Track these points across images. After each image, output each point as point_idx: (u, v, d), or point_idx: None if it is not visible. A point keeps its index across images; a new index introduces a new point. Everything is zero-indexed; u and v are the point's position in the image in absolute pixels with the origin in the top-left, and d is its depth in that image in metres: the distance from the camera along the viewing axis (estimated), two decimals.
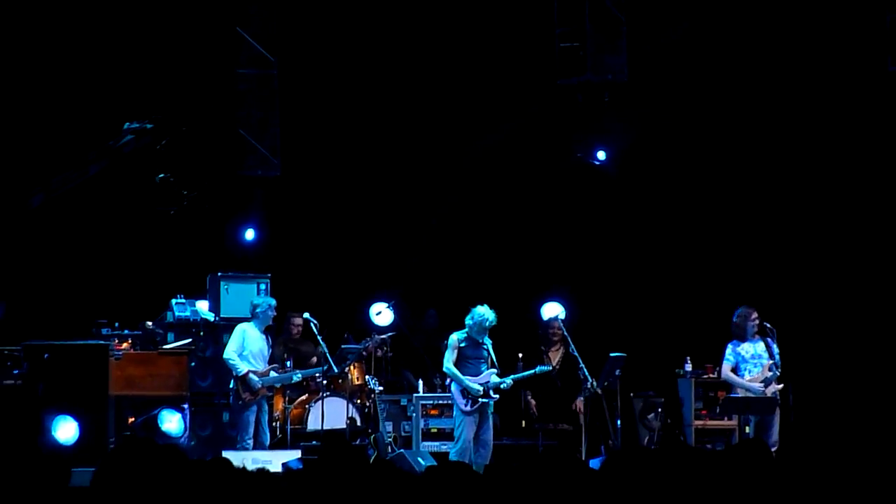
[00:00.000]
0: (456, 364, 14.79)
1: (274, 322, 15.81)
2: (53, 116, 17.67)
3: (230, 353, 15.33)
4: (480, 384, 14.75)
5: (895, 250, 17.79)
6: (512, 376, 15.22)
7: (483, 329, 14.74)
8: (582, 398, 16.17)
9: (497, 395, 14.94)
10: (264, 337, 15.50)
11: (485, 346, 14.85)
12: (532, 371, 15.65)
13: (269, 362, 15.54)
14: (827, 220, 18.09)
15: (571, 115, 18.43)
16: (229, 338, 15.72)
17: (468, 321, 14.80)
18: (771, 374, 14.98)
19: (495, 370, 14.91)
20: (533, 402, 16.66)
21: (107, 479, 5.81)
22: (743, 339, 15.19)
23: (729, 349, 15.21)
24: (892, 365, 17.43)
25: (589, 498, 5.81)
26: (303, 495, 6.24)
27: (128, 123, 17.40)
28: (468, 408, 14.73)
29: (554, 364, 16.67)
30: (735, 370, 15.17)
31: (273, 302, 15.61)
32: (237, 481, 6.10)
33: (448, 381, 15.18)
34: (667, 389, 17.25)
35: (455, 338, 14.87)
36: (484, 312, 14.69)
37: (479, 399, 14.71)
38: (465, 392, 14.73)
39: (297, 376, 15.89)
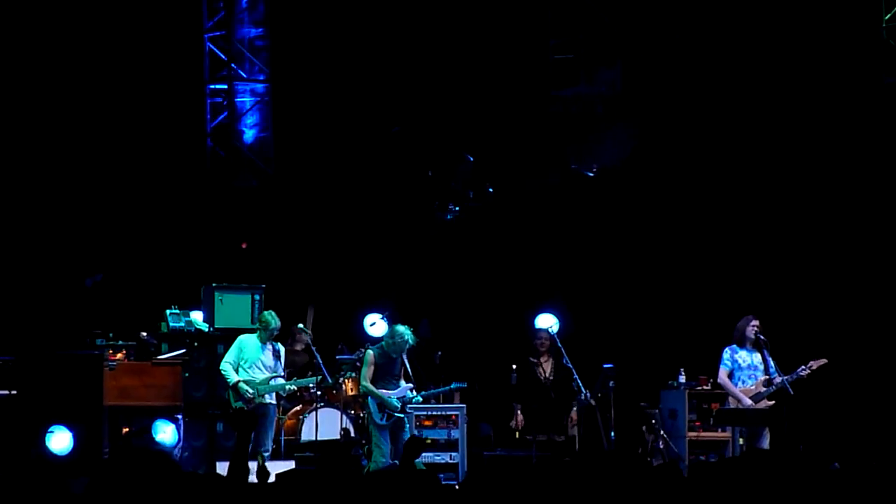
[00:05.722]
0: (372, 380, 14.90)
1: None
2: None
3: (223, 362, 15.34)
4: (398, 398, 14.87)
5: (892, 260, 17.81)
6: (424, 392, 15.54)
7: (400, 348, 14.88)
8: (576, 408, 16.23)
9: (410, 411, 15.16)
10: (268, 347, 15.41)
11: (399, 361, 14.97)
12: (447, 388, 15.97)
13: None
14: (823, 231, 18.10)
15: (565, 127, 18.47)
16: (224, 349, 15.72)
17: (387, 339, 15.00)
18: (765, 389, 14.97)
19: (411, 384, 15.04)
20: (520, 415, 16.72)
21: (101, 489, 5.80)
22: (742, 346, 15.17)
23: (727, 353, 15.18)
24: (889, 373, 17.46)
25: None
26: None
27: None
28: (383, 422, 14.88)
29: (546, 374, 16.71)
30: (730, 376, 15.17)
31: (279, 324, 15.54)
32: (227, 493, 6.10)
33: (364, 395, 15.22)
34: (653, 401, 17.25)
35: (371, 354, 15.02)
36: (405, 333, 14.90)
37: (395, 413, 14.82)
38: (382, 406, 14.84)
39: (291, 385, 15.81)
